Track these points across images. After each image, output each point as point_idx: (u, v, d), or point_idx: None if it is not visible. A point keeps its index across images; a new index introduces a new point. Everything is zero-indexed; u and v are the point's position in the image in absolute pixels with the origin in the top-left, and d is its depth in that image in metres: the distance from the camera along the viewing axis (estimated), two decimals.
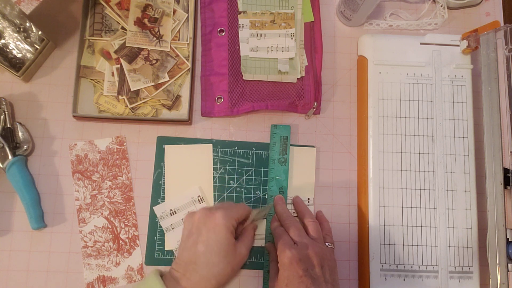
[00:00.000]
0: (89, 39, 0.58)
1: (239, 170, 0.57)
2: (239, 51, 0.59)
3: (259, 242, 0.55)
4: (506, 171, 0.53)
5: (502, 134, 0.53)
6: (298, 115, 0.60)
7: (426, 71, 0.59)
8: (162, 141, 0.57)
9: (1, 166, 0.53)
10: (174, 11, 0.59)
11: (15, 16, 0.56)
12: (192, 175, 0.56)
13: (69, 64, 0.58)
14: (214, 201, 0.56)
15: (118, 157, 0.56)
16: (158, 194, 0.56)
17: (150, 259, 0.54)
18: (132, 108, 0.56)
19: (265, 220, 0.55)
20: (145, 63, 0.57)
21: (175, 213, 0.55)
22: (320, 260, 0.46)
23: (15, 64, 0.56)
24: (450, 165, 0.57)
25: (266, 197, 0.56)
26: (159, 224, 0.55)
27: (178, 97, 0.58)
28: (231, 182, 0.57)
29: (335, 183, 0.58)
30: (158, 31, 0.58)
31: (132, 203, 0.55)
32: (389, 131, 0.57)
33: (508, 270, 0.50)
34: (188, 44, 0.59)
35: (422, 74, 0.59)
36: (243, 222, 0.52)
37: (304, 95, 0.58)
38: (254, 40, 0.59)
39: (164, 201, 0.55)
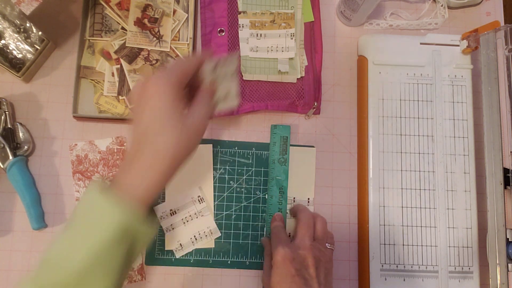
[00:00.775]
0: (89, 40, 0.58)
1: (239, 170, 0.57)
2: (239, 51, 0.59)
3: (258, 240, 0.55)
4: (506, 171, 0.53)
5: (502, 134, 0.53)
6: (298, 115, 0.60)
7: (426, 71, 0.59)
8: None
9: (2, 166, 0.53)
10: (174, 11, 0.59)
11: (16, 17, 0.56)
12: (192, 175, 0.56)
13: (69, 65, 0.58)
14: (214, 201, 0.56)
15: (118, 157, 0.56)
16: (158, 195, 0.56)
17: (150, 259, 0.55)
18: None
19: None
20: (145, 63, 0.57)
21: (175, 213, 0.55)
22: (315, 261, 0.46)
23: (16, 65, 0.56)
24: (450, 165, 0.57)
25: (266, 197, 0.56)
26: (159, 224, 0.55)
27: None
28: (231, 182, 0.57)
29: (335, 183, 0.58)
30: (158, 31, 0.58)
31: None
32: (389, 131, 0.57)
33: (508, 270, 0.50)
34: (188, 44, 0.59)
35: (422, 74, 0.59)
36: (197, 82, 0.42)
37: (304, 95, 0.58)
38: (254, 40, 0.59)
39: (164, 201, 0.56)
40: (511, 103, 0.54)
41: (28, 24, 0.56)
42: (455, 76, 0.59)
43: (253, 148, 0.58)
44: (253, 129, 0.59)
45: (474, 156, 0.57)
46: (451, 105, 0.58)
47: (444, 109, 0.58)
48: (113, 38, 0.57)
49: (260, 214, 0.56)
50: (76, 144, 0.56)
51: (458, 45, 0.59)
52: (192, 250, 0.55)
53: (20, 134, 0.55)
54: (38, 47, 0.56)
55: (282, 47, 0.59)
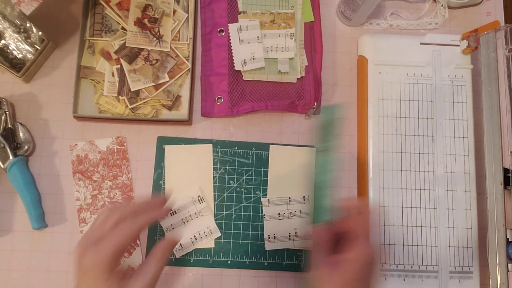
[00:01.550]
0: (89, 40, 0.58)
1: (239, 170, 0.57)
2: None
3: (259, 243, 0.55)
4: (506, 171, 0.53)
5: (502, 134, 0.53)
6: (298, 115, 0.60)
7: (426, 71, 0.59)
8: (162, 141, 0.57)
9: (2, 166, 0.53)
10: (174, 11, 0.59)
11: (16, 17, 0.56)
12: (192, 175, 0.57)
13: (69, 65, 0.58)
14: (214, 201, 0.56)
15: (118, 157, 0.56)
16: (158, 194, 0.56)
17: None
18: (132, 108, 0.57)
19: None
20: (145, 63, 0.57)
21: (175, 213, 0.55)
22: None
23: (16, 65, 0.56)
24: (450, 165, 0.57)
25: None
26: (159, 224, 0.55)
27: (178, 97, 0.58)
28: (231, 182, 0.57)
29: (335, 183, 0.58)
30: (158, 31, 0.58)
31: (132, 203, 0.55)
32: (389, 131, 0.57)
33: (508, 270, 0.50)
34: (188, 44, 0.59)
35: (422, 74, 0.58)
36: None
37: (304, 95, 0.58)
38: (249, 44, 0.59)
39: None
40: (511, 103, 0.54)
41: (28, 24, 0.56)
42: (455, 76, 0.59)
43: (253, 148, 0.58)
44: (253, 129, 0.59)
45: (474, 156, 0.57)
46: (451, 105, 0.58)
47: (444, 109, 0.58)
48: (113, 38, 0.57)
49: (260, 214, 0.56)
50: (76, 144, 0.56)
51: (458, 45, 0.59)
52: (192, 250, 0.55)
53: (21, 134, 0.55)
54: (38, 47, 0.56)
55: (282, 47, 0.59)
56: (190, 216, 0.55)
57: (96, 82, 0.57)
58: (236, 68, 0.58)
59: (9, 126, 0.54)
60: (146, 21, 0.58)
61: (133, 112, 0.57)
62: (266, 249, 0.55)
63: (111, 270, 0.36)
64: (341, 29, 0.63)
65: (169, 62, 0.58)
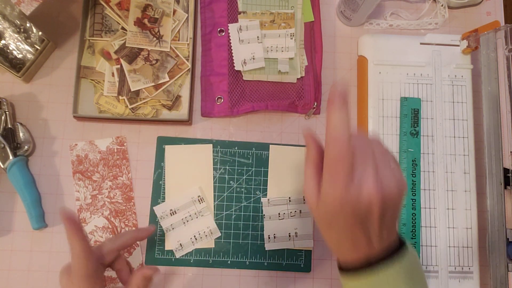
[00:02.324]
0: (89, 40, 0.58)
1: (239, 170, 0.57)
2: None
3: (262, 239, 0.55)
4: (506, 171, 0.53)
5: (502, 134, 0.53)
6: (298, 115, 0.60)
7: (426, 71, 0.59)
8: (162, 141, 0.57)
9: (2, 166, 0.53)
10: (174, 11, 0.59)
11: (16, 17, 0.56)
12: (192, 175, 0.57)
13: (69, 65, 0.58)
14: (214, 201, 0.56)
15: (118, 157, 0.56)
16: (158, 194, 0.56)
17: (150, 259, 0.55)
18: (132, 108, 0.57)
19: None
20: (145, 63, 0.57)
21: (175, 213, 0.55)
22: (382, 209, 0.32)
23: (16, 65, 0.56)
24: (450, 165, 0.57)
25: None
26: (159, 224, 0.55)
27: (178, 97, 0.58)
28: (231, 182, 0.57)
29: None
30: (158, 31, 0.58)
31: (132, 203, 0.56)
32: (389, 131, 0.57)
33: (508, 270, 0.50)
34: (188, 44, 0.59)
35: (422, 74, 0.58)
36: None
37: (304, 95, 0.58)
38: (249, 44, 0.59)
39: (164, 201, 0.56)
40: (511, 103, 0.54)
41: (28, 24, 0.56)
42: (455, 76, 0.59)
43: (253, 148, 0.58)
44: (253, 129, 0.59)
45: (474, 156, 0.57)
46: (451, 105, 0.58)
47: (444, 109, 0.58)
48: (113, 38, 0.57)
49: (260, 214, 0.56)
50: (76, 144, 0.56)
51: (458, 45, 0.59)
52: (192, 250, 0.55)
53: (21, 134, 0.55)
54: (38, 47, 0.56)
55: (282, 47, 0.59)
56: (190, 216, 0.55)
57: (96, 82, 0.57)
58: (236, 68, 0.58)
59: (9, 126, 0.54)
60: (146, 21, 0.58)
61: (133, 112, 0.57)
62: (266, 249, 0.55)
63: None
64: (341, 29, 0.63)
65: (169, 62, 0.58)
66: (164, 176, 0.56)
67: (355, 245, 0.34)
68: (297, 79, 0.59)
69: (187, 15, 0.59)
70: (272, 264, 0.55)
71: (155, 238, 0.55)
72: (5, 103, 0.54)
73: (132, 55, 0.57)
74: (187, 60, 0.58)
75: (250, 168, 0.57)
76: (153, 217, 0.55)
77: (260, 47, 0.58)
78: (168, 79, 0.57)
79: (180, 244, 0.55)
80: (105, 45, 0.57)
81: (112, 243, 0.44)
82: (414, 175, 0.55)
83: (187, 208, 0.55)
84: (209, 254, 0.55)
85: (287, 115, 0.60)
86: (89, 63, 0.57)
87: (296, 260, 0.56)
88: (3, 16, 0.56)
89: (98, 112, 0.56)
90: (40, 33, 0.56)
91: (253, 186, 0.57)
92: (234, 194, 0.57)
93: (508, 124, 0.54)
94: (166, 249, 0.55)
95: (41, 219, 0.53)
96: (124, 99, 0.56)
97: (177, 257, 0.55)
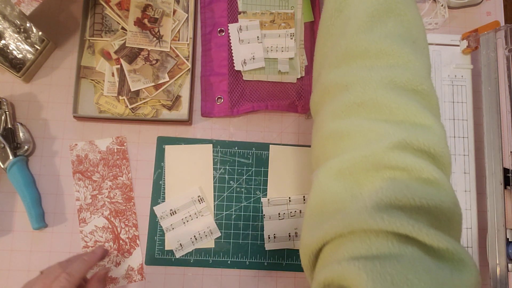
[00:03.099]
0: (89, 40, 0.58)
1: (239, 170, 0.57)
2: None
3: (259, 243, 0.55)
4: (506, 171, 0.52)
5: (502, 134, 0.53)
6: (298, 115, 0.60)
7: None
8: (162, 141, 0.57)
9: (2, 166, 0.53)
10: (174, 11, 0.59)
11: (16, 17, 0.56)
12: (192, 175, 0.57)
13: (69, 65, 0.58)
14: (214, 201, 0.56)
15: (118, 157, 0.56)
16: (158, 194, 0.56)
17: (151, 259, 0.55)
18: (132, 108, 0.57)
19: None
20: (145, 63, 0.57)
21: (175, 213, 0.55)
22: None
23: (16, 65, 0.56)
24: None
25: None
26: (159, 224, 0.55)
27: (178, 97, 0.58)
28: (231, 182, 0.57)
29: None
30: (158, 31, 0.58)
31: (132, 203, 0.56)
32: None
33: (508, 270, 0.50)
34: (188, 44, 0.59)
35: None
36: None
37: (304, 95, 0.58)
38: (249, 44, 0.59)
39: (164, 201, 0.56)
40: (511, 103, 0.54)
41: (28, 24, 0.56)
42: (455, 76, 0.59)
43: (253, 148, 0.58)
44: (253, 129, 0.59)
45: (474, 156, 0.57)
46: (451, 105, 0.58)
47: (444, 109, 0.58)
48: (113, 38, 0.57)
49: (260, 214, 0.56)
50: (76, 144, 0.56)
51: (458, 45, 0.59)
52: (192, 250, 0.55)
53: (21, 134, 0.55)
54: (38, 47, 0.56)
55: (282, 47, 0.59)
56: (190, 216, 0.55)
57: (96, 82, 0.57)
58: (236, 68, 0.58)
59: (9, 126, 0.54)
60: (146, 21, 0.58)
61: (133, 112, 0.57)
62: (266, 249, 0.55)
63: None
64: None
65: (169, 62, 0.58)
66: (164, 176, 0.56)
67: None
68: (297, 79, 0.59)
69: (187, 15, 0.59)
70: (272, 264, 0.55)
71: (155, 238, 0.55)
72: (5, 103, 0.54)
73: (132, 55, 0.57)
74: (187, 60, 0.58)
75: (250, 168, 0.57)
76: (153, 217, 0.55)
77: (260, 47, 0.58)
78: (168, 79, 0.57)
79: (180, 244, 0.55)
80: (105, 45, 0.57)
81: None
82: None
83: (187, 208, 0.55)
84: (209, 254, 0.55)
85: (287, 115, 0.60)
86: (89, 63, 0.57)
87: (296, 260, 0.56)
88: (3, 16, 0.56)
89: (98, 112, 0.56)
90: (40, 33, 0.56)
91: (253, 186, 0.57)
92: (234, 194, 0.57)
93: (508, 124, 0.54)
94: (166, 249, 0.55)
95: (41, 219, 0.53)
96: (124, 99, 0.56)
97: (177, 257, 0.55)
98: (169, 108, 0.57)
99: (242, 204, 0.57)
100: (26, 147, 0.55)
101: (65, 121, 0.57)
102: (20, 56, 0.56)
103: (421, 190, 0.28)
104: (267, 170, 0.57)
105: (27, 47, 0.56)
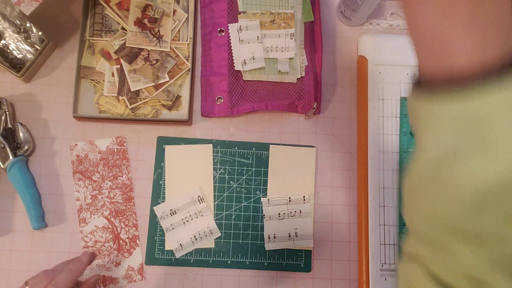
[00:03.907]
0: (89, 40, 0.58)
1: (239, 170, 0.57)
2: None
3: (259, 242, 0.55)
4: None
5: None
6: (298, 115, 0.60)
7: None
8: (162, 141, 0.57)
9: (2, 166, 0.53)
10: (174, 11, 0.59)
11: (16, 17, 0.56)
12: (192, 175, 0.57)
13: (69, 65, 0.58)
14: (214, 201, 0.56)
15: (118, 157, 0.56)
16: (158, 194, 0.56)
17: (151, 259, 0.55)
18: (132, 108, 0.57)
19: None
20: (145, 63, 0.57)
21: (175, 213, 0.55)
22: None
23: (16, 65, 0.56)
24: None
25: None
26: (159, 224, 0.55)
27: (178, 97, 0.58)
28: (231, 182, 0.57)
29: (335, 183, 0.58)
30: (158, 31, 0.58)
31: (132, 203, 0.56)
32: (389, 131, 0.57)
33: None
34: (188, 44, 0.59)
35: None
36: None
37: (304, 95, 0.58)
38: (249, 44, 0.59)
39: (164, 201, 0.56)
40: None
41: (28, 24, 0.56)
42: None
43: (253, 148, 0.58)
44: (253, 129, 0.59)
45: None
46: None
47: None
48: (113, 38, 0.57)
49: (260, 214, 0.56)
50: (76, 144, 0.56)
51: None
52: (192, 250, 0.55)
53: (21, 134, 0.55)
54: (38, 47, 0.56)
55: (282, 47, 0.59)
56: (190, 216, 0.55)
57: (96, 82, 0.57)
58: (236, 68, 0.58)
59: (9, 126, 0.54)
60: (146, 21, 0.58)
61: (133, 112, 0.57)
62: (266, 249, 0.55)
63: None
64: (341, 29, 0.63)
65: (169, 62, 0.58)
66: (164, 176, 0.56)
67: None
68: (297, 79, 0.59)
69: (187, 15, 0.59)
70: (272, 264, 0.55)
71: (155, 238, 0.55)
72: (5, 103, 0.54)
73: (132, 55, 0.57)
74: (187, 60, 0.58)
75: (250, 168, 0.57)
76: (153, 217, 0.55)
77: (260, 47, 0.58)
78: (168, 79, 0.57)
79: (180, 244, 0.55)
80: (105, 45, 0.57)
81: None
82: None
83: (187, 208, 0.55)
84: (209, 254, 0.55)
85: (287, 115, 0.60)
86: (89, 63, 0.57)
87: (296, 260, 0.56)
88: (3, 16, 0.56)
89: (98, 112, 0.56)
90: (40, 33, 0.56)
91: (253, 186, 0.57)
92: (234, 194, 0.57)
93: None
94: (166, 249, 0.55)
95: (41, 219, 0.53)
96: (124, 99, 0.56)
97: (177, 257, 0.55)
98: (169, 108, 0.57)
99: (242, 204, 0.57)
100: (26, 147, 0.55)
101: (65, 121, 0.57)
102: (20, 56, 0.56)
103: None
104: (267, 170, 0.57)
105: (27, 47, 0.56)
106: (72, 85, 0.56)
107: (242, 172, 0.57)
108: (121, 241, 0.55)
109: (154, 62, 0.57)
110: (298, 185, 0.57)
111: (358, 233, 0.57)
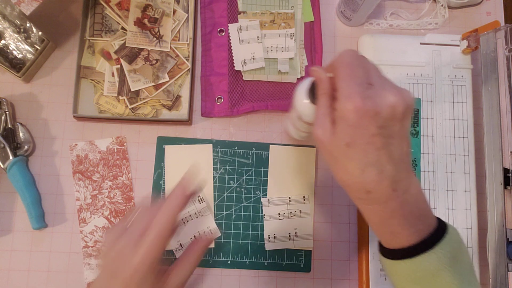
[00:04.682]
0: (89, 40, 0.58)
1: (239, 170, 0.57)
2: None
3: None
4: (506, 171, 0.53)
5: (502, 134, 0.53)
6: None
7: (426, 71, 0.59)
8: (162, 141, 0.57)
9: (2, 166, 0.53)
10: (174, 11, 0.59)
11: (16, 17, 0.56)
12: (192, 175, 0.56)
13: (69, 65, 0.58)
14: (214, 201, 0.56)
15: (118, 157, 0.56)
16: (158, 194, 0.56)
17: None
18: (132, 108, 0.57)
19: None
20: (145, 63, 0.57)
21: None
22: (405, 112, 0.32)
23: (16, 65, 0.56)
24: (450, 165, 0.57)
25: None
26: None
27: (178, 97, 0.58)
28: (231, 182, 0.57)
29: (335, 183, 0.58)
30: (158, 31, 0.58)
31: (132, 203, 0.56)
32: None
33: (508, 270, 0.50)
34: (188, 44, 0.59)
35: (422, 74, 0.58)
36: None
37: None
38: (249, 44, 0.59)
39: None
40: (511, 103, 0.54)
41: (28, 24, 0.56)
42: (455, 76, 0.59)
43: (253, 148, 0.58)
44: (253, 129, 0.59)
45: (474, 156, 0.57)
46: (451, 105, 0.58)
47: (444, 109, 0.58)
48: (113, 38, 0.57)
49: (260, 214, 0.56)
50: (76, 144, 0.56)
51: (458, 45, 0.59)
52: None
53: (21, 134, 0.55)
54: (38, 47, 0.56)
55: (282, 47, 0.59)
56: (190, 216, 0.55)
57: (96, 82, 0.57)
58: (236, 68, 0.58)
59: (9, 126, 0.54)
60: (146, 21, 0.58)
61: (133, 112, 0.57)
62: (266, 249, 0.55)
63: (153, 272, 0.34)
64: (341, 29, 0.63)
65: (169, 62, 0.58)
66: (164, 176, 0.56)
67: (380, 170, 0.31)
68: (297, 79, 0.59)
69: (187, 15, 0.59)
70: (272, 264, 0.55)
71: None
72: (5, 103, 0.54)
73: (132, 55, 0.57)
74: (187, 60, 0.58)
75: (250, 168, 0.57)
76: None
77: (260, 47, 0.58)
78: (168, 79, 0.57)
79: (180, 244, 0.55)
80: (105, 45, 0.57)
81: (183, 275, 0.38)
82: None
83: (187, 208, 0.55)
84: (209, 254, 0.55)
85: (287, 115, 0.60)
86: (89, 63, 0.57)
87: (296, 260, 0.56)
88: (3, 16, 0.56)
89: (98, 112, 0.56)
90: (40, 33, 0.56)
91: (253, 186, 0.57)
92: (234, 194, 0.57)
93: (508, 124, 0.54)
94: (166, 249, 0.55)
95: (41, 219, 0.53)
96: (124, 99, 0.56)
97: (177, 257, 0.55)
98: (169, 108, 0.57)
99: (242, 204, 0.57)
100: (26, 147, 0.55)
101: (65, 121, 0.57)
102: (20, 56, 0.56)
103: None
104: (267, 170, 0.57)
105: (27, 47, 0.56)
106: (72, 85, 0.56)
107: (242, 172, 0.57)
108: None
109: (154, 62, 0.57)
110: (298, 185, 0.57)
111: (358, 233, 0.57)
